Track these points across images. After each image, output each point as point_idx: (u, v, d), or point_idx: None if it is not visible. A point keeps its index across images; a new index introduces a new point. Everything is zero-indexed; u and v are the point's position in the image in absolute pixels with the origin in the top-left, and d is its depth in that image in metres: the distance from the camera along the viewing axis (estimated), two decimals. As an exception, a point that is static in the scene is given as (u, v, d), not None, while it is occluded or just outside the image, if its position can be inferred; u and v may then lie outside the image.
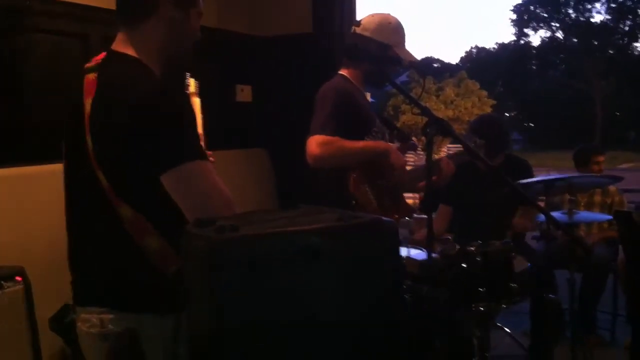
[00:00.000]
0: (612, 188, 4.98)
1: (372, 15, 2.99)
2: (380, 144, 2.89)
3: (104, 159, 1.65)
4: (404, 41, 3.00)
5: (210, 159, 1.78)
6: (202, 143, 1.77)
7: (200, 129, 1.84)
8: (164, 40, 1.78)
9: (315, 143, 2.68)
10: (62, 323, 2.88)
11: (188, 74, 2.12)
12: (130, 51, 1.75)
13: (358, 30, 2.94)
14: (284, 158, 4.47)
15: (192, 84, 2.15)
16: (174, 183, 1.60)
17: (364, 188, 2.80)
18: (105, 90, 1.67)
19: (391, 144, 2.96)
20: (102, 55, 1.78)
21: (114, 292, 1.71)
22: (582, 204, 4.91)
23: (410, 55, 2.97)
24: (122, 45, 1.77)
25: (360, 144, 2.82)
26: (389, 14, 3.00)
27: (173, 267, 1.63)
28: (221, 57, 4.36)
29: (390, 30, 2.94)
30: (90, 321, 1.72)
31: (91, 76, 1.72)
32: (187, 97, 1.67)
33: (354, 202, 2.74)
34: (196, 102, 2.11)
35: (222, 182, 1.66)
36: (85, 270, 1.79)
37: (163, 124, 1.60)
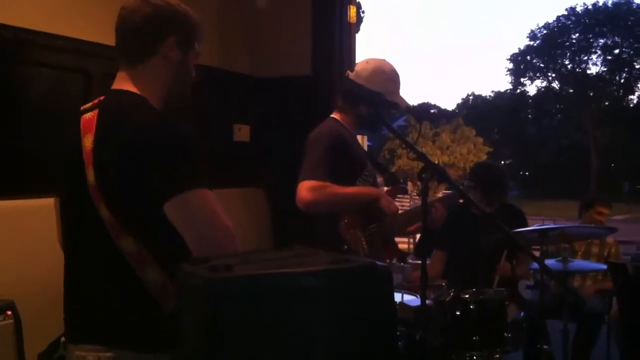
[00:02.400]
0: (609, 240, 4.95)
1: (367, 62, 2.93)
2: (371, 190, 2.86)
3: (108, 191, 1.66)
4: (398, 89, 2.94)
5: None
6: None
7: None
8: (165, 79, 1.82)
9: (305, 188, 2.64)
10: (51, 359, 2.84)
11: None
12: (131, 88, 1.79)
13: (352, 75, 2.90)
14: (281, 198, 4.45)
15: None
16: (176, 211, 1.61)
17: (356, 233, 2.77)
18: (108, 123, 1.70)
19: (382, 189, 2.93)
20: (101, 98, 1.81)
21: (112, 329, 1.69)
22: (580, 253, 4.88)
23: (404, 102, 2.94)
24: (122, 83, 1.80)
25: (351, 189, 2.78)
26: (384, 61, 2.94)
27: (172, 301, 1.61)
28: (220, 96, 4.38)
29: (384, 79, 2.88)
30: (86, 359, 1.70)
31: (88, 115, 1.75)
32: (189, 129, 1.68)
33: (345, 247, 2.71)
34: None
35: (224, 211, 1.67)
36: (82, 306, 1.77)
37: (165, 153, 1.62)
